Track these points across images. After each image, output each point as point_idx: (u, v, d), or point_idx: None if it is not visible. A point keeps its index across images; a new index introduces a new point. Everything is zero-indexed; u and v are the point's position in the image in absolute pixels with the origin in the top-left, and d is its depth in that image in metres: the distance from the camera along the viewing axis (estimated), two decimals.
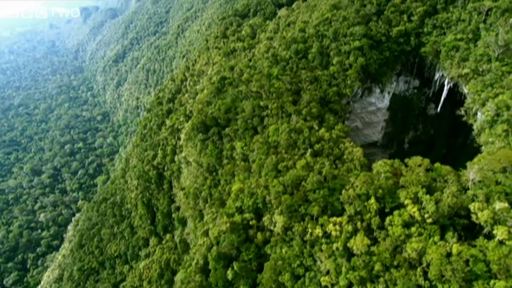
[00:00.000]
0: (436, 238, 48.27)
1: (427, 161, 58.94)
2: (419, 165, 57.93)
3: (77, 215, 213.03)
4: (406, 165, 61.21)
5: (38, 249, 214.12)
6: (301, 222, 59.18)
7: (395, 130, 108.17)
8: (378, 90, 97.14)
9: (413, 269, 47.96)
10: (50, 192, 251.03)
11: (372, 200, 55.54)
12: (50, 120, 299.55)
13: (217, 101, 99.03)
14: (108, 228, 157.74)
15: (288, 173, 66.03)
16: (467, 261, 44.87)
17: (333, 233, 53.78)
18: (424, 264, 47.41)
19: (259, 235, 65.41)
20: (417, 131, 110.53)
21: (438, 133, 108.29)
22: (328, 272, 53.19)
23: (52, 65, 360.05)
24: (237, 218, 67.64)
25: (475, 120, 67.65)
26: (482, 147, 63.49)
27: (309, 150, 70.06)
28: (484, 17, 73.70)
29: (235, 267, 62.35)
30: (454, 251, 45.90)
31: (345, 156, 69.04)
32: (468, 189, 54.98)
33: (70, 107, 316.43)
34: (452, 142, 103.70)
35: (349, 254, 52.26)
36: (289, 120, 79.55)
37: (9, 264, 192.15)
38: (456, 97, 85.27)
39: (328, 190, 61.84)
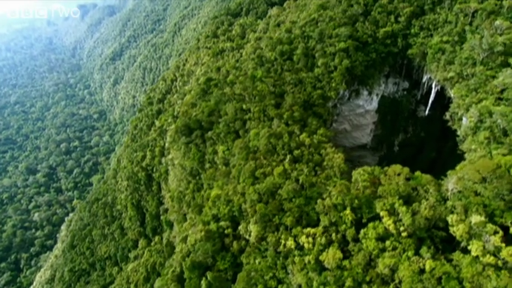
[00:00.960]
0: (410, 253, 46.33)
1: (406, 169, 56.82)
2: (399, 174, 55.83)
3: (71, 214, 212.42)
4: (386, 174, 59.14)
5: (32, 249, 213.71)
6: (275, 233, 57.38)
7: (384, 133, 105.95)
8: (365, 93, 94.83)
9: (386, 285, 46.16)
10: (45, 191, 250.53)
11: (348, 211, 53.64)
12: (46, 118, 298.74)
13: (201, 103, 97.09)
14: (99, 229, 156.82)
15: (265, 181, 64.20)
16: (439, 279, 42.96)
17: (306, 246, 51.95)
18: (397, 281, 45.57)
19: (235, 244, 63.74)
20: (407, 134, 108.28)
21: (428, 136, 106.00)
22: (300, 286, 51.44)
23: (49, 63, 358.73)
24: (213, 226, 65.97)
25: (460, 126, 65.35)
26: (466, 155, 61.30)
27: (288, 156, 68.08)
28: (470, 19, 71.12)
29: (208, 278, 60.72)
30: (427, 267, 44.00)
31: (325, 163, 66.98)
32: (448, 199, 52.97)
33: (67, 105, 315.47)
34: (442, 145, 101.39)
35: (321, 267, 50.45)
36: (270, 125, 77.53)
37: (2, 265, 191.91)
38: (445, 100, 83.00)
39: (305, 199, 60.02)
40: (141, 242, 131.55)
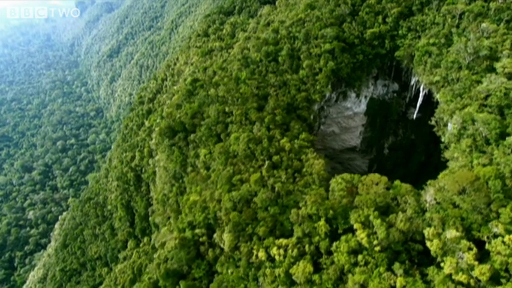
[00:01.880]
0: (382, 269, 44.47)
1: (384, 179, 54.77)
2: (377, 184, 53.78)
3: (64, 213, 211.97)
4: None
5: (26, 248, 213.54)
6: (248, 243, 55.66)
7: (374, 135, 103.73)
8: (353, 95, 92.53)
9: None
10: (41, 189, 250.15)
11: (322, 222, 51.76)
12: (43, 115, 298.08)
13: (186, 104, 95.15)
14: (91, 228, 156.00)
15: (241, 188, 62.39)
16: None
17: (277, 258, 50.16)
18: None
19: (210, 252, 62.13)
20: (397, 136, 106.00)
21: (419, 139, 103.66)
22: None
23: (46, 59, 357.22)
24: (188, 233, 64.39)
25: (444, 133, 63.03)
26: (448, 163, 59.08)
27: (267, 162, 66.15)
28: (457, 21, 68.46)
29: (181, 287, 59.20)
30: (398, 284, 42.20)
31: (304, 169, 65.00)
32: (426, 210, 50.95)
33: (63, 103, 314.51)
34: (433, 149, 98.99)
35: (291, 281, 48.71)
36: (252, 129, 75.51)
37: None
38: (434, 103, 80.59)
39: (280, 207, 58.24)
40: (130, 243, 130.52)
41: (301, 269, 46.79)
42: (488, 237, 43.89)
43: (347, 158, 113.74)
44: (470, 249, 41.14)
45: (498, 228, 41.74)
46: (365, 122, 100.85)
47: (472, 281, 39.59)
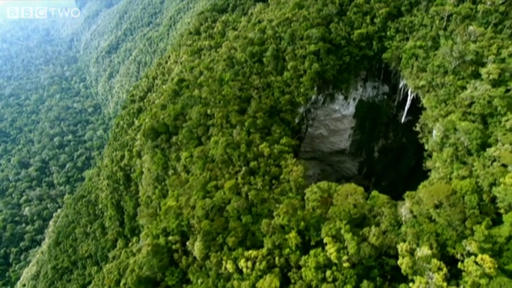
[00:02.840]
0: (350, 286, 42.40)
1: (360, 189, 52.46)
2: (351, 194, 51.55)
3: (59, 210, 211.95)
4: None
5: (22, 244, 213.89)
6: (218, 253, 53.85)
7: (363, 138, 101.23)
8: (341, 97, 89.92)
9: None
10: (37, 185, 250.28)
11: (293, 234, 49.75)
12: (41, 111, 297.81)
13: (170, 105, 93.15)
14: (82, 226, 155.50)
15: (216, 195, 60.48)
16: None
17: (244, 270, 48.30)
18: None
19: (184, 260, 60.45)
20: (388, 139, 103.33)
21: (410, 142, 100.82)
22: None
23: (45, 55, 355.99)
24: (162, 239, 62.68)
25: (427, 140, 60.50)
26: (430, 173, 56.72)
27: (244, 168, 64.09)
28: (445, 23, 65.48)
29: None
30: None
31: (282, 176, 62.89)
32: (403, 224, 48.74)
33: (61, 98, 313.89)
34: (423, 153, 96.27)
35: None
36: (232, 132, 73.38)
37: None
38: (423, 108, 77.87)
39: (253, 216, 56.28)
40: (119, 243, 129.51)
41: (267, 284, 44.93)
42: (462, 255, 41.70)
43: (336, 161, 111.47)
44: (440, 269, 38.94)
45: (471, 247, 39.49)
46: (354, 125, 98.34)
47: None
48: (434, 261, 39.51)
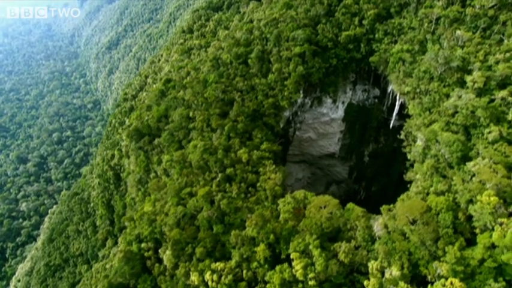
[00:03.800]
0: None
1: (334, 201, 50.21)
2: (325, 207, 49.33)
3: (54, 207, 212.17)
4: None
5: (18, 239, 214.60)
6: (187, 263, 52.12)
7: (353, 142, 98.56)
8: (329, 101, 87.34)
9: None
10: (35, 180, 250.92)
11: (261, 247, 47.77)
12: (41, 107, 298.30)
13: (155, 106, 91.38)
14: (75, 224, 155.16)
15: (189, 202, 58.66)
16: None
17: (210, 283, 46.51)
18: None
19: (156, 267, 58.89)
20: (378, 144, 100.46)
21: (401, 147, 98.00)
22: None
23: (46, 50, 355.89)
24: (135, 246, 61.16)
25: (409, 151, 57.88)
26: (410, 185, 54.20)
27: (220, 175, 62.13)
28: (433, 26, 62.43)
29: None
30: None
31: (259, 184, 60.79)
32: (377, 239, 46.48)
33: (61, 94, 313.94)
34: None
35: None
36: (212, 136, 71.33)
37: None
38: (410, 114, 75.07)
39: (225, 226, 54.38)
40: (109, 242, 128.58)
41: None
42: (434, 276, 39.41)
43: (326, 164, 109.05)
44: None
45: (442, 269, 37.17)
46: (343, 128, 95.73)
47: None
48: (402, 284, 37.28)
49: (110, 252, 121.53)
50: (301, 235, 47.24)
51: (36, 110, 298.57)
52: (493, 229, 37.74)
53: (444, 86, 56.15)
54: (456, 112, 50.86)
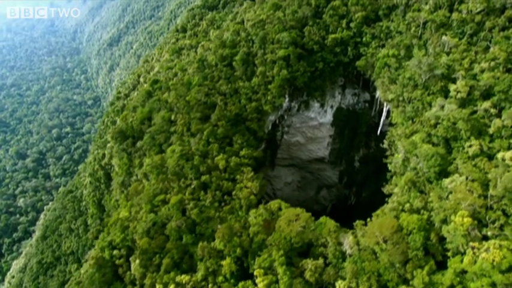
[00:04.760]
0: None
1: (306, 215, 47.96)
2: (295, 221, 47.14)
3: (50, 203, 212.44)
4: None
5: (15, 235, 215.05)
6: (154, 273, 50.42)
7: (342, 147, 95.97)
8: (316, 105, 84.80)
9: None
10: (33, 176, 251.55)
11: (228, 260, 45.85)
12: (41, 102, 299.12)
13: (139, 108, 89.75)
14: (68, 222, 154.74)
15: (162, 210, 56.92)
16: None
17: None
18: None
19: (128, 275, 57.33)
20: (369, 149, 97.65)
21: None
22: None
23: (49, 45, 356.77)
24: (107, 253, 59.61)
25: (391, 162, 55.33)
26: (388, 199, 51.72)
27: (195, 182, 60.23)
28: (420, 31, 59.56)
29: None
30: None
31: (234, 192, 58.77)
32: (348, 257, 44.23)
33: (62, 90, 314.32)
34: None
35: None
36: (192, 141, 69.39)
37: None
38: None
39: (196, 237, 52.54)
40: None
41: None
42: None
43: (316, 168, 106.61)
44: None
45: None
46: (333, 133, 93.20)
47: None
48: None
49: None
50: (269, 250, 45.19)
51: (37, 106, 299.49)
52: (465, 253, 35.31)
53: (429, 94, 53.47)
54: (438, 123, 48.21)
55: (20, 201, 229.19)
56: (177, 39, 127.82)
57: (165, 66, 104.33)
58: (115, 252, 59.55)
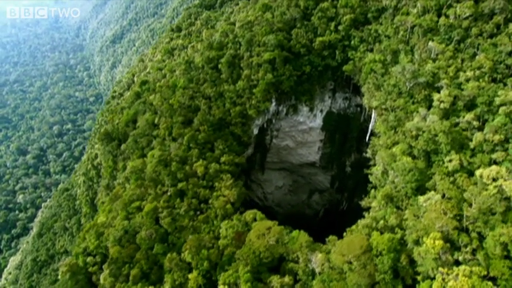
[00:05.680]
0: None
1: (277, 228, 45.91)
2: (265, 235, 45.16)
3: (48, 200, 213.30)
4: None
5: (13, 231, 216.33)
6: (124, 284, 49.05)
7: (333, 152, 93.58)
8: (305, 109, 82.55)
9: None
10: (34, 173, 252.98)
11: (194, 273, 44.22)
12: (43, 99, 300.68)
13: (126, 109, 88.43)
14: (62, 221, 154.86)
15: (136, 217, 55.49)
16: None
17: None
18: None
19: (100, 284, 56.06)
20: (361, 154, 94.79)
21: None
22: None
23: (52, 42, 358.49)
24: (81, 260, 58.44)
25: (372, 173, 53.03)
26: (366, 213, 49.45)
27: (172, 189, 58.63)
28: (408, 36, 56.88)
29: None
30: None
31: (211, 201, 57.07)
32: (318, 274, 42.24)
33: (64, 87, 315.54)
34: None
35: None
36: (174, 146, 67.78)
37: None
38: None
39: (168, 246, 51.02)
40: None
41: None
42: None
43: (308, 173, 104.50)
44: None
45: None
46: (323, 138, 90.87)
47: None
48: None
49: None
50: (236, 264, 43.42)
51: (39, 102, 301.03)
52: (434, 278, 33.08)
53: (413, 103, 51.00)
54: (419, 135, 45.77)
55: (20, 198, 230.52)
56: (171, 39, 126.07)
57: (155, 67, 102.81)
58: (89, 259, 58.34)
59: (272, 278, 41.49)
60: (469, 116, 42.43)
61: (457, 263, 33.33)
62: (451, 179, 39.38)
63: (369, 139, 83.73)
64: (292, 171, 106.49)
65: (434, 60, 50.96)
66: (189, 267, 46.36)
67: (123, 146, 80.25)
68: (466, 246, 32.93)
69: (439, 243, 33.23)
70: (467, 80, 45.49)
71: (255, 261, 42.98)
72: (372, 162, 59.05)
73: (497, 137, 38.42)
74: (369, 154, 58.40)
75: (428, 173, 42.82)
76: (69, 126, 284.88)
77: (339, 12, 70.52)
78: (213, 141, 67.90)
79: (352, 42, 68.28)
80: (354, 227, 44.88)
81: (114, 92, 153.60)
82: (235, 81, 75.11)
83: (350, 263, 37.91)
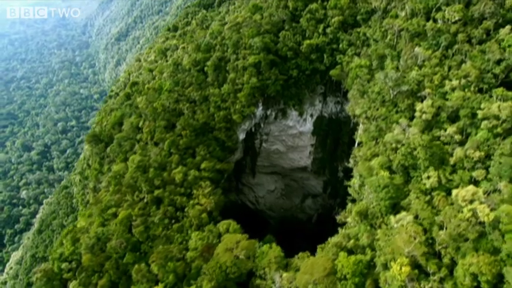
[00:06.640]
0: None
1: (246, 243, 44.04)
2: (233, 249, 43.32)
3: (50, 197, 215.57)
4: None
5: (16, 226, 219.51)
6: None
7: (325, 156, 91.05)
8: (294, 113, 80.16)
9: None
10: (38, 169, 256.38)
11: (160, 286, 42.75)
12: (49, 95, 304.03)
13: (114, 111, 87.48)
14: (60, 218, 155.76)
15: (110, 224, 54.30)
16: None
17: None
18: None
19: None
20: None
21: None
22: None
23: (59, 39, 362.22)
24: (56, 265, 57.59)
25: (351, 185, 50.58)
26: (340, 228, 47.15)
27: (148, 196, 57.27)
28: (396, 40, 53.96)
29: None
30: None
31: (187, 209, 55.49)
32: None
33: (70, 83, 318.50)
34: None
35: None
36: (155, 151, 66.37)
37: None
38: None
39: (139, 255, 49.68)
40: None
41: None
42: None
43: (300, 177, 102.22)
44: None
45: None
46: (314, 142, 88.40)
47: None
48: None
49: None
50: (202, 279, 41.77)
51: (45, 99, 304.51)
52: None
53: (397, 112, 48.28)
54: (398, 148, 43.17)
55: (23, 193, 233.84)
56: (167, 39, 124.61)
57: (147, 68, 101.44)
58: (64, 265, 57.45)
59: None
60: (451, 129, 39.64)
61: None
62: (427, 197, 36.83)
63: (359, 146, 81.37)
64: (285, 175, 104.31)
65: (420, 67, 48.07)
66: (156, 279, 44.94)
67: (108, 149, 79.31)
68: (434, 274, 30.52)
69: (406, 269, 30.91)
70: (453, 89, 42.58)
71: (220, 276, 41.27)
72: (353, 173, 56.60)
73: (477, 154, 35.66)
74: (351, 164, 55.85)
75: (405, 190, 40.28)
76: (74, 123, 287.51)
77: (328, 14, 67.76)
78: (195, 147, 66.22)
79: (341, 45, 65.62)
80: (325, 244, 42.68)
81: (112, 91, 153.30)
82: (221, 84, 73.21)
83: (316, 284, 35.83)
